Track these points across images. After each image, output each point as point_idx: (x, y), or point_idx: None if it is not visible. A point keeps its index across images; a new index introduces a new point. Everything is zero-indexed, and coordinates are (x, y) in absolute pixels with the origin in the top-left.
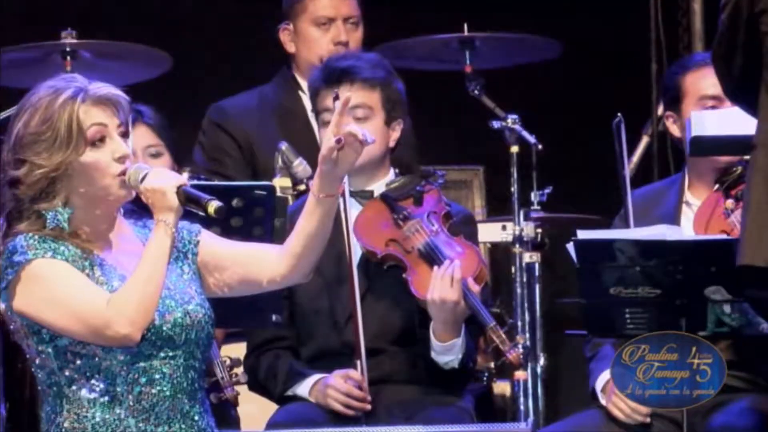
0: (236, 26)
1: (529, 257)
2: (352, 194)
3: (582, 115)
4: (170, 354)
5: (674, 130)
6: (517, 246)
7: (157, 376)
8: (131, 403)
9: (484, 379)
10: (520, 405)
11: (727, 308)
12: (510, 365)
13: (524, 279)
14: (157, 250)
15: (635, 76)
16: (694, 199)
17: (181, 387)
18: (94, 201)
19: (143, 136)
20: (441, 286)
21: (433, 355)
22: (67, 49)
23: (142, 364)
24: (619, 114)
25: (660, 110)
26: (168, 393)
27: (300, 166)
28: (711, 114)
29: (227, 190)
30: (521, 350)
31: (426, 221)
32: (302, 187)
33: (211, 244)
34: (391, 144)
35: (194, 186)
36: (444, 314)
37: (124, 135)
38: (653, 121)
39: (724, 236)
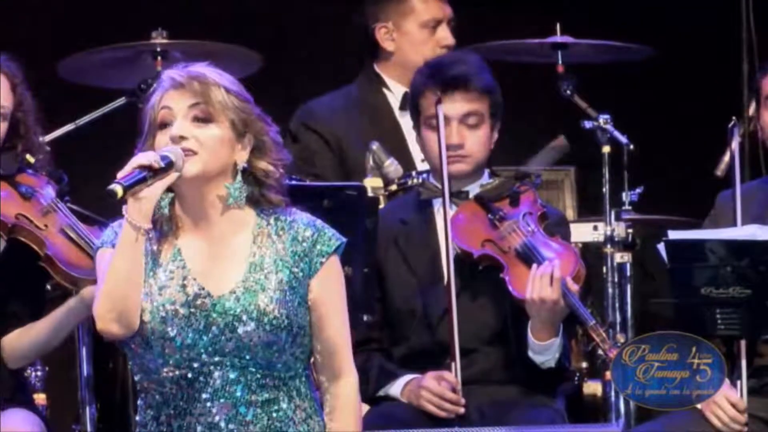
0: (326, 26)
1: (621, 257)
2: (452, 195)
3: (674, 116)
4: (215, 351)
5: (762, 131)
6: (609, 246)
7: (198, 380)
8: (175, 406)
9: (576, 379)
10: (611, 405)
11: None
12: (604, 365)
13: (615, 279)
14: (118, 245)
15: (727, 76)
16: None
17: (227, 390)
18: (177, 186)
19: None
20: (540, 286)
21: (530, 354)
22: (158, 49)
23: (181, 365)
24: (734, 118)
25: (751, 111)
26: (211, 395)
27: (391, 166)
28: None
29: (318, 191)
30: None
31: (522, 221)
32: (394, 187)
33: (321, 291)
34: (491, 146)
35: (141, 168)
36: (543, 313)
37: (201, 119)
38: (744, 121)
39: None
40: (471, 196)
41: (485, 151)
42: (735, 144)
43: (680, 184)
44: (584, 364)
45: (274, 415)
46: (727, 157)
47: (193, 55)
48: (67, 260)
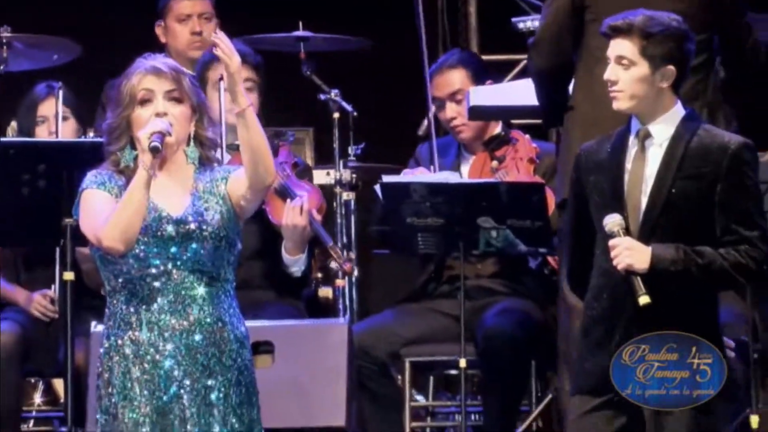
0: (135, 22)
1: (347, 196)
2: (228, 146)
3: (388, 90)
4: (174, 256)
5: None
6: (338, 187)
7: (162, 277)
8: (142, 297)
9: (313, 285)
10: (339, 305)
11: (494, 233)
12: (335, 275)
13: (343, 212)
14: (134, 184)
15: (430, 61)
16: (468, 154)
17: (184, 284)
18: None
19: (55, 105)
20: (293, 215)
21: (283, 266)
22: (4, 41)
23: (150, 266)
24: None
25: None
26: (171, 288)
27: None
28: (484, 88)
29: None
30: (352, 264)
31: (279, 168)
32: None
33: (234, 178)
34: (257, 110)
35: (159, 133)
36: (294, 236)
37: (176, 99)
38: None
39: (491, 180)
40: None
41: (257, 111)
42: (431, 113)
43: (392, 141)
44: (320, 275)
45: (215, 307)
46: (426, 121)
47: (31, 45)
48: None
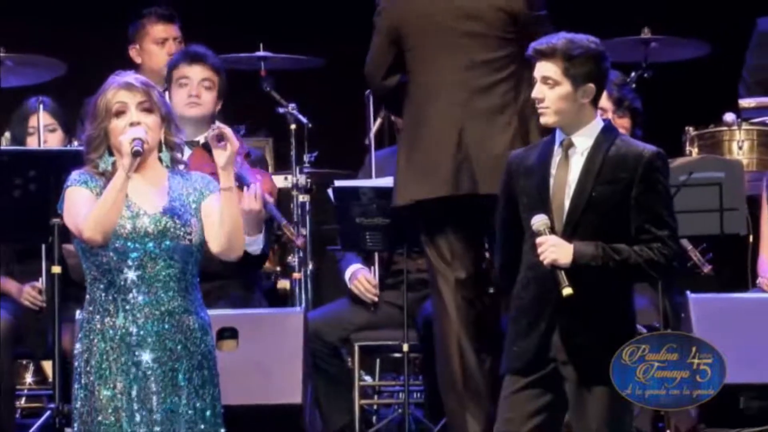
0: (114, 44)
1: (302, 198)
2: (186, 143)
3: (340, 104)
4: (150, 251)
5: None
6: (295, 190)
7: (138, 270)
8: (119, 287)
9: (273, 278)
10: (296, 296)
11: None
12: (291, 268)
13: (299, 212)
14: (112, 184)
15: None
16: None
17: (157, 277)
18: (121, 152)
19: (44, 117)
20: (249, 201)
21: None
22: None
23: (128, 259)
24: (367, 91)
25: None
26: (146, 280)
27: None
28: None
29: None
30: (304, 239)
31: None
32: None
33: (209, 205)
34: (216, 109)
35: (139, 140)
36: (251, 219)
37: (147, 110)
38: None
39: None
40: (200, 143)
41: (213, 108)
42: (371, 109)
43: (342, 150)
44: (278, 268)
45: (183, 298)
46: (374, 129)
47: (20, 63)
48: None
